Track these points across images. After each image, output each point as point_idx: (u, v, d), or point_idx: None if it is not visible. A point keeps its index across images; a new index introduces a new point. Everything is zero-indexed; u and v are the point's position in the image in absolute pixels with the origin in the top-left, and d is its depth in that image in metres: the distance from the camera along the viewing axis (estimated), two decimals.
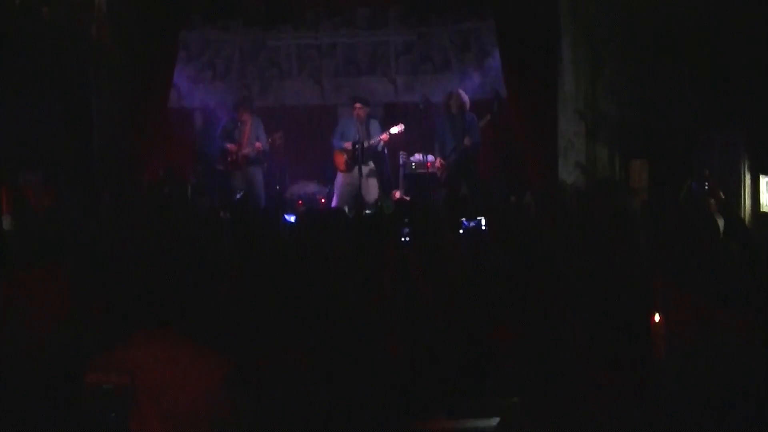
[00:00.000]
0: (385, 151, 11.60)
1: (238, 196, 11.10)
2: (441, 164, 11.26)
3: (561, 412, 3.35)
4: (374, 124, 11.48)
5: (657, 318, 3.83)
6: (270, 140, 11.61)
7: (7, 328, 3.72)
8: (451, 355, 3.60)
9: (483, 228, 7.43)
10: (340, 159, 11.39)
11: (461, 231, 6.93)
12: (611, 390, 3.51)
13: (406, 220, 6.60)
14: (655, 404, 3.52)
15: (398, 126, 11.33)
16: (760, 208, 8.33)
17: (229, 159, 11.58)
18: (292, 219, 8.49)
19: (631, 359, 3.73)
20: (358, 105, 11.43)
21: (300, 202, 12.12)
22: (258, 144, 11.47)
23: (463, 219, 7.50)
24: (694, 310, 3.82)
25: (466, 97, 11.40)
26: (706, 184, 7.99)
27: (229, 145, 11.55)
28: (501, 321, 3.85)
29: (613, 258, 4.76)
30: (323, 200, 12.08)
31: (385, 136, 11.26)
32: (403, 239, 6.29)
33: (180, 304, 3.26)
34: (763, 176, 8.27)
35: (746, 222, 7.98)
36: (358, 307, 3.98)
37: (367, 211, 9.98)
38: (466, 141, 11.11)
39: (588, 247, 5.13)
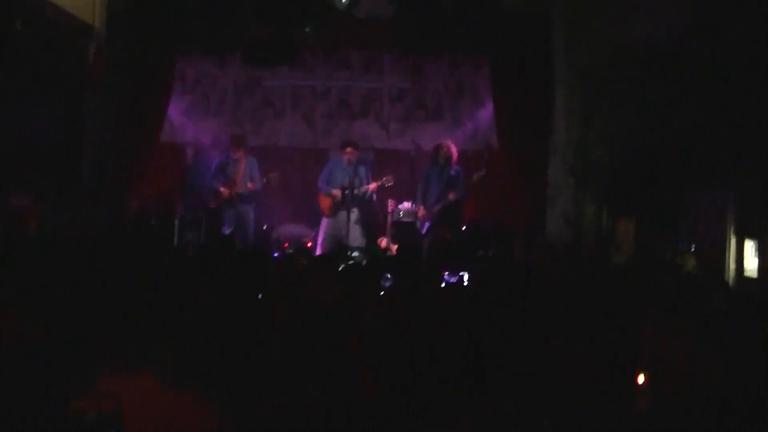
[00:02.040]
0: (374, 197, 11.59)
1: (227, 231, 11.06)
2: (423, 213, 11.25)
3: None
4: (362, 170, 11.48)
5: (641, 377, 3.82)
6: (265, 179, 11.61)
7: None
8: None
9: (465, 283, 7.42)
10: (325, 203, 11.39)
11: (443, 285, 6.88)
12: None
13: (387, 275, 6.57)
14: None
15: (388, 178, 11.33)
16: (744, 272, 8.33)
17: (221, 197, 11.57)
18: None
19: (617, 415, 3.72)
20: (348, 149, 11.43)
21: (286, 244, 12.09)
22: (250, 184, 11.46)
23: (446, 273, 7.48)
24: (678, 362, 3.84)
25: (454, 149, 11.38)
26: (693, 245, 8.02)
27: (221, 188, 11.53)
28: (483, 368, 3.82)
29: (597, 312, 4.76)
30: (309, 243, 12.04)
31: (372, 186, 11.26)
32: (383, 291, 6.25)
33: (165, 333, 3.24)
34: (749, 240, 8.28)
35: (730, 285, 7.98)
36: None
37: (355, 254, 9.96)
38: (451, 196, 11.10)
39: (572, 299, 5.13)
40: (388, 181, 11.28)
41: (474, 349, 3.62)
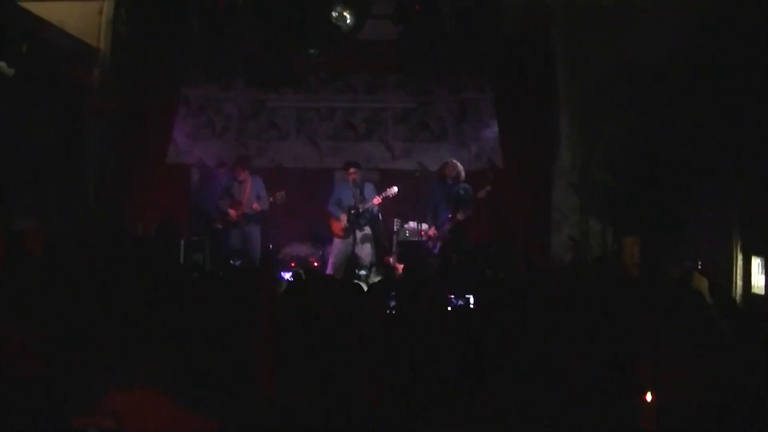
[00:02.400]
0: (380, 216, 11.59)
1: (236, 264, 11.01)
2: (434, 233, 11.25)
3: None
4: (368, 187, 11.49)
5: (649, 397, 3.79)
6: (272, 199, 11.61)
7: None
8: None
9: (471, 306, 7.38)
10: (337, 225, 11.41)
11: (449, 309, 6.86)
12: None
13: (393, 293, 6.55)
14: None
15: (391, 189, 11.33)
16: (751, 290, 8.29)
17: (228, 218, 11.59)
18: (287, 276, 8.44)
19: None
20: (351, 170, 11.46)
21: (293, 263, 12.07)
22: (256, 205, 11.49)
23: (452, 296, 7.45)
24: (682, 384, 3.81)
25: (460, 167, 11.41)
26: (699, 262, 7.98)
27: (229, 210, 11.57)
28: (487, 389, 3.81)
29: (603, 332, 4.74)
30: (316, 263, 12.04)
31: (376, 200, 11.26)
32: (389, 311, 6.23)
33: (166, 360, 3.22)
34: (755, 257, 8.25)
35: (737, 303, 7.94)
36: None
37: (362, 272, 9.94)
38: (460, 215, 11.08)
39: (579, 320, 5.11)
40: (392, 192, 11.27)
41: (474, 351, 3.61)
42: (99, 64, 11.09)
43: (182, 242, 11.62)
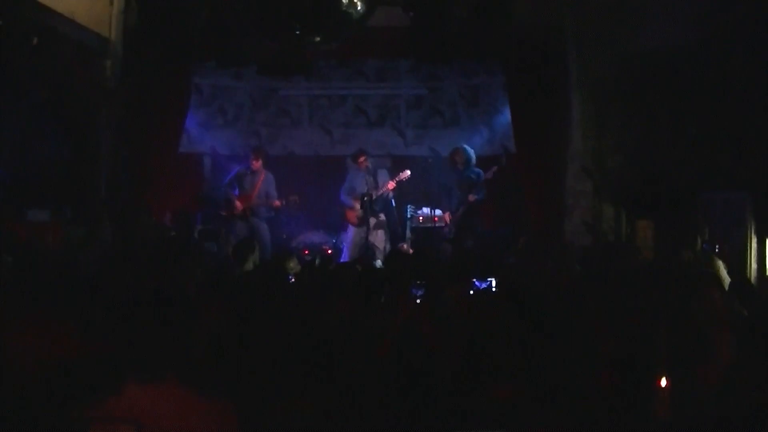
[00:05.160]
0: (393, 202, 11.59)
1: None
2: (448, 218, 11.29)
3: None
4: (382, 174, 11.51)
5: (663, 382, 3.78)
6: (284, 201, 11.52)
7: (5, 378, 3.62)
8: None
9: (493, 289, 7.37)
10: (352, 214, 11.38)
11: (471, 292, 6.84)
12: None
13: (419, 282, 6.54)
14: None
15: (404, 172, 11.33)
16: (765, 272, 8.26)
17: (235, 209, 11.52)
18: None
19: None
20: (362, 158, 11.45)
21: (306, 251, 12.08)
22: (277, 202, 11.39)
23: (475, 280, 7.44)
24: (698, 370, 3.80)
25: (471, 152, 11.43)
26: (717, 246, 7.96)
27: (237, 200, 11.48)
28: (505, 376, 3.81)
29: (617, 316, 4.73)
30: (329, 251, 12.04)
31: (390, 185, 11.27)
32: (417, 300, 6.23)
33: (182, 351, 3.22)
34: None
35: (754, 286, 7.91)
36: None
37: (377, 262, 9.94)
38: (471, 197, 11.14)
39: (593, 305, 5.10)
40: (404, 175, 11.28)
41: (479, 350, 3.61)
42: (110, 54, 11.08)
43: (196, 231, 11.64)
